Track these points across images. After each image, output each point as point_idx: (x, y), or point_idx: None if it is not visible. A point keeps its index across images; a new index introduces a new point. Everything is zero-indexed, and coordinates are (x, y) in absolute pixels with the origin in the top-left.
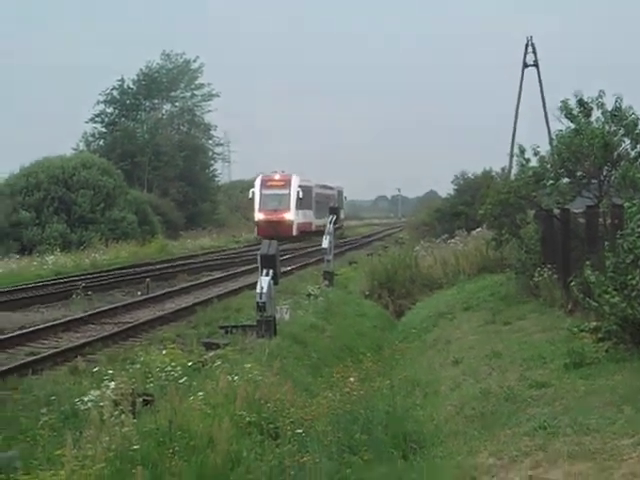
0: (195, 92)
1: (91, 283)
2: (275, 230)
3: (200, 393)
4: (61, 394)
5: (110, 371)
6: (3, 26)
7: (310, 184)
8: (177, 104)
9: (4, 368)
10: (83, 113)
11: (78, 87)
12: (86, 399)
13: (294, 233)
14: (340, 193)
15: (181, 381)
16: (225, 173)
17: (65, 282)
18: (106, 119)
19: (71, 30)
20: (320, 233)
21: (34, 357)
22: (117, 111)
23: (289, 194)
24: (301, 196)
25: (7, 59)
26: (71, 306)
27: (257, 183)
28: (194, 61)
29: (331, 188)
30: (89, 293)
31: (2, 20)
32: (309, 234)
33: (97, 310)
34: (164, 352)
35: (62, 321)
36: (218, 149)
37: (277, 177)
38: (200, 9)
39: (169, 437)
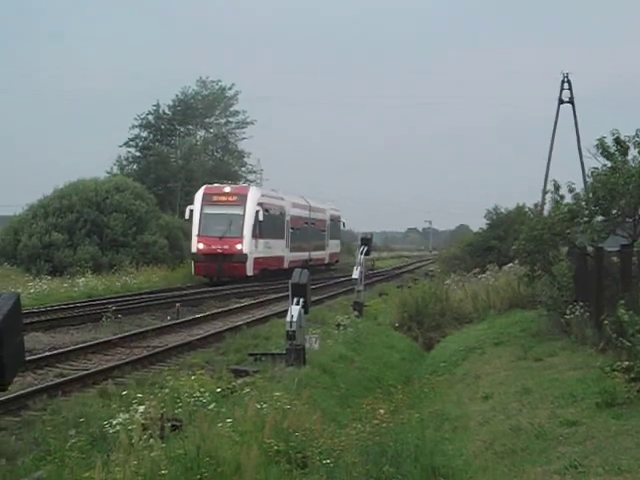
0: (230, 119)
1: (121, 306)
2: (220, 267)
3: (228, 420)
4: (90, 416)
5: (139, 395)
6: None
7: (281, 202)
8: (212, 130)
9: (33, 389)
10: (118, 137)
11: (115, 112)
12: (115, 422)
13: (249, 272)
14: (336, 219)
15: (210, 407)
16: None
17: (96, 304)
18: (140, 143)
19: (108, 54)
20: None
21: (63, 378)
22: (152, 136)
23: (243, 215)
24: (261, 218)
25: (41, 83)
26: (101, 329)
27: (198, 197)
28: (229, 88)
29: (320, 210)
30: (119, 316)
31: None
32: (277, 273)
33: (126, 333)
34: (193, 378)
35: (91, 343)
36: (251, 176)
37: (227, 189)
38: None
39: (197, 463)
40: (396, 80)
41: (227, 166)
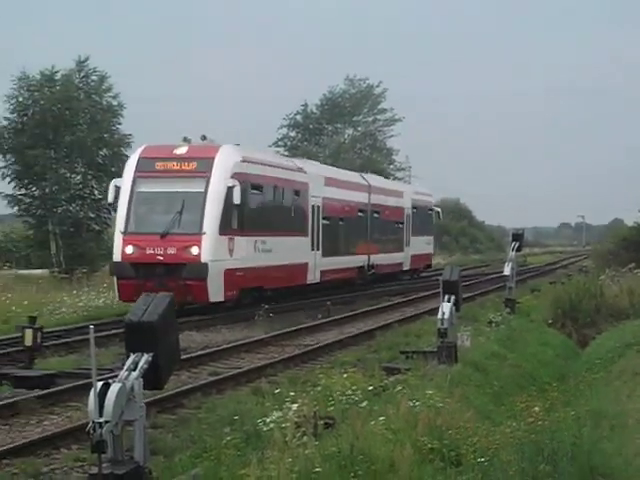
0: (377, 117)
1: (273, 305)
2: (162, 287)
3: (381, 418)
4: (244, 414)
5: (292, 393)
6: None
7: (294, 174)
8: (359, 129)
9: (188, 387)
10: (266, 137)
11: (263, 113)
12: (268, 420)
13: (213, 296)
14: (424, 206)
15: (362, 405)
16: None
17: (248, 304)
18: (289, 143)
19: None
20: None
21: (217, 377)
22: (300, 135)
23: (204, 193)
24: (238, 199)
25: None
26: (253, 327)
27: (130, 164)
28: (377, 86)
29: (393, 193)
30: (271, 315)
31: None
32: (290, 292)
33: (278, 332)
34: (345, 375)
35: (244, 342)
36: (399, 174)
37: (180, 150)
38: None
39: (350, 461)
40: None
41: (375, 164)
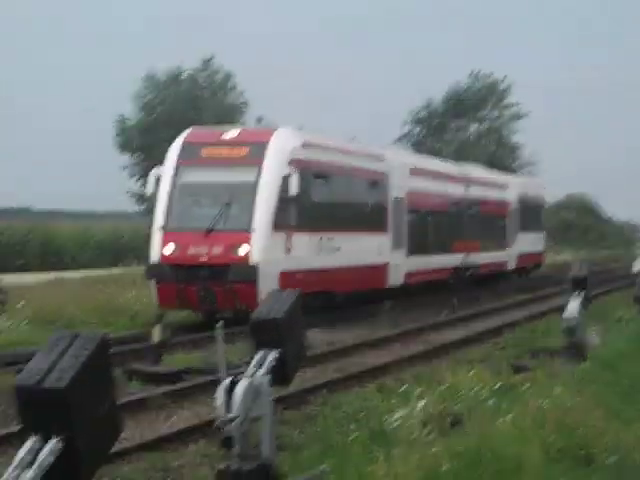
0: (503, 112)
1: (398, 302)
2: (207, 292)
3: (508, 416)
4: (369, 411)
5: (417, 390)
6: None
7: (368, 163)
8: (484, 124)
9: (314, 384)
10: (389, 134)
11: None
12: (394, 417)
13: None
14: (533, 200)
15: (489, 403)
16: None
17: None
18: (413, 139)
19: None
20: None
21: (342, 374)
22: (424, 131)
23: (256, 183)
24: (294, 190)
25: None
26: (377, 324)
27: (173, 151)
28: (502, 81)
29: (493, 185)
30: (395, 312)
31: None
32: (362, 297)
33: (403, 329)
34: (471, 373)
35: (368, 339)
36: (525, 169)
37: (230, 135)
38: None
39: (478, 459)
40: None
41: (500, 160)
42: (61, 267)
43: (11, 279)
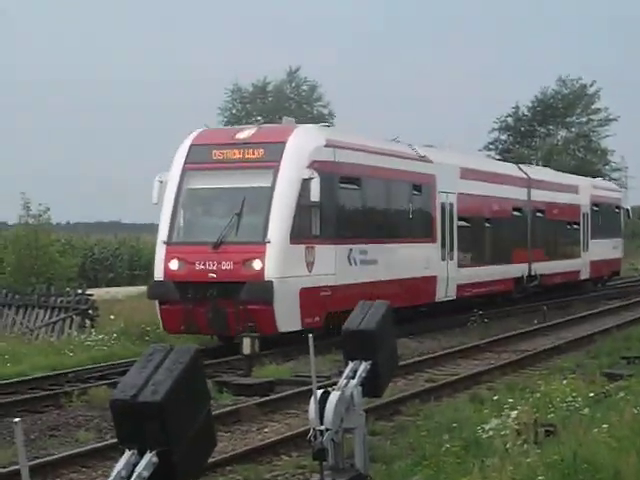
0: (591, 117)
1: (488, 310)
2: (217, 313)
3: (604, 425)
4: (462, 421)
5: (510, 400)
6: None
7: (413, 164)
8: (573, 130)
9: (405, 394)
10: (477, 141)
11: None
12: (487, 427)
13: (283, 324)
14: (607, 204)
15: (583, 412)
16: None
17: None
18: (500, 146)
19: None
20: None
21: (434, 384)
22: (511, 138)
23: (272, 188)
24: (316, 196)
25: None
26: (468, 333)
27: (180, 153)
28: (591, 86)
29: (563, 187)
30: (485, 320)
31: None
32: (404, 315)
33: (494, 338)
34: (564, 382)
35: (459, 348)
36: (615, 174)
37: (243, 134)
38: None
39: (574, 469)
40: None
41: (589, 165)
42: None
43: (100, 293)
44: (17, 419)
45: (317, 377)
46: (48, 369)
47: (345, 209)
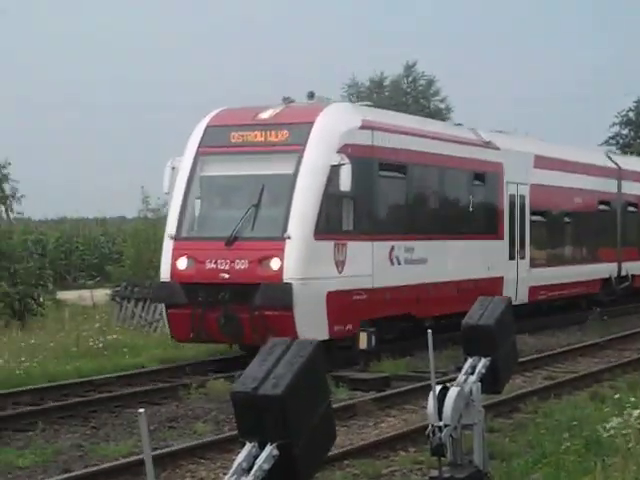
0: None
1: (607, 309)
2: (230, 318)
3: None
4: (582, 419)
5: (632, 399)
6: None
7: (476, 150)
8: None
9: (524, 391)
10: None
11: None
12: (608, 426)
13: (304, 331)
14: None
15: None
16: None
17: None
18: (621, 141)
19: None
20: None
21: (553, 381)
22: (632, 133)
23: (295, 175)
24: (348, 185)
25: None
26: (586, 330)
27: (193, 137)
28: None
29: None
30: (605, 318)
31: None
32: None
33: (615, 335)
34: None
35: (579, 346)
36: None
37: (266, 114)
38: None
39: None
40: None
41: None
42: None
43: None
44: (141, 410)
45: (435, 373)
46: (166, 361)
47: (386, 200)
